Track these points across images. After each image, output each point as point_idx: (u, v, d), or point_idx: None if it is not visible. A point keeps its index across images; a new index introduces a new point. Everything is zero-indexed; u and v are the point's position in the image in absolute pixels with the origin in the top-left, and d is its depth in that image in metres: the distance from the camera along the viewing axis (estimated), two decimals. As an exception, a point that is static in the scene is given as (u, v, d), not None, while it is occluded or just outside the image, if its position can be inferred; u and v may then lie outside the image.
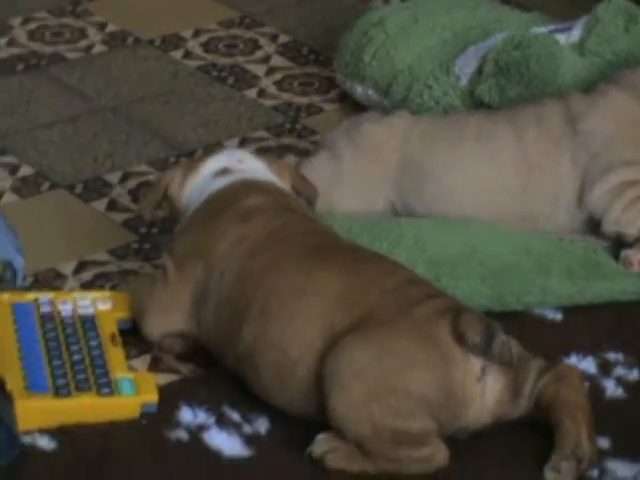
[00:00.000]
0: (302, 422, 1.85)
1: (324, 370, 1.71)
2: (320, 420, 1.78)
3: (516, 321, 2.09)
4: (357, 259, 1.83)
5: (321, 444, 1.72)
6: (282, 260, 1.81)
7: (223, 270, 1.85)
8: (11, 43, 2.87)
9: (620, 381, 1.95)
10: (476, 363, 1.67)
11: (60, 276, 2.15)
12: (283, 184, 2.00)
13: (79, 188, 2.40)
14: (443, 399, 1.67)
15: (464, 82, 2.49)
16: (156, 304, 1.89)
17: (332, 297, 1.75)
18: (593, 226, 2.19)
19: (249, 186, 1.94)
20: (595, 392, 1.91)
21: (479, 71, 2.45)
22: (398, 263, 1.87)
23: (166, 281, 1.91)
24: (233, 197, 1.93)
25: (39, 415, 1.82)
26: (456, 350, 1.69)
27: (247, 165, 2.01)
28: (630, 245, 2.10)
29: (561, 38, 2.49)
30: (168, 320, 1.89)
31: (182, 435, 1.81)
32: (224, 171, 1.96)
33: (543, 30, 2.57)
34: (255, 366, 1.82)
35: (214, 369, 1.96)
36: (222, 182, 1.96)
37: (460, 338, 1.66)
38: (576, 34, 2.50)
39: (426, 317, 1.70)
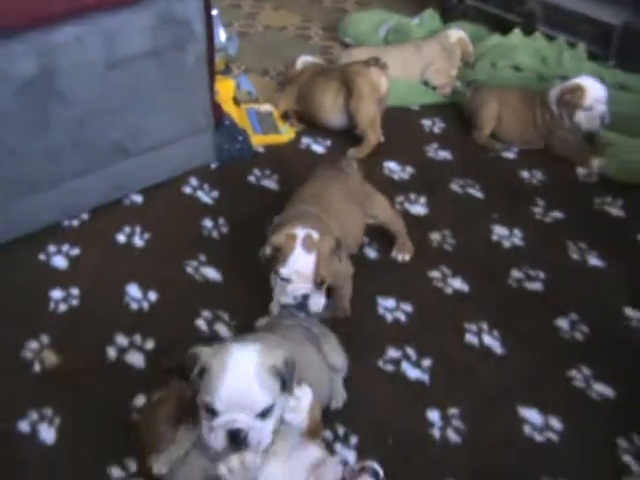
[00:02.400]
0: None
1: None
2: (339, 128, 2.97)
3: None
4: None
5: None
6: (323, 75, 3.00)
7: (304, 84, 3.08)
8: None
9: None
10: (380, 74, 2.80)
11: (257, 99, 3.24)
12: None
13: (259, 71, 3.47)
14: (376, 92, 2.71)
15: (381, 36, 3.71)
16: (285, 94, 3.18)
17: (335, 88, 2.95)
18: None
19: (313, 64, 3.18)
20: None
21: (385, 34, 3.71)
22: None
23: (284, 88, 3.18)
24: (306, 68, 3.16)
25: (258, 143, 3.01)
26: (369, 71, 2.86)
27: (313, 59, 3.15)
28: None
29: (414, 21, 3.72)
30: (292, 100, 3.17)
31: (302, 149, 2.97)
32: (304, 63, 3.21)
33: (414, 20, 3.78)
34: (314, 104, 3.03)
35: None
36: (305, 65, 3.21)
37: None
38: (418, 20, 3.78)
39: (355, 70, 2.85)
